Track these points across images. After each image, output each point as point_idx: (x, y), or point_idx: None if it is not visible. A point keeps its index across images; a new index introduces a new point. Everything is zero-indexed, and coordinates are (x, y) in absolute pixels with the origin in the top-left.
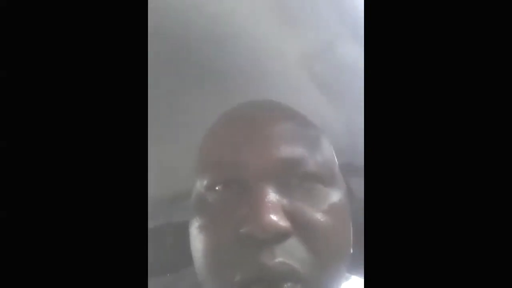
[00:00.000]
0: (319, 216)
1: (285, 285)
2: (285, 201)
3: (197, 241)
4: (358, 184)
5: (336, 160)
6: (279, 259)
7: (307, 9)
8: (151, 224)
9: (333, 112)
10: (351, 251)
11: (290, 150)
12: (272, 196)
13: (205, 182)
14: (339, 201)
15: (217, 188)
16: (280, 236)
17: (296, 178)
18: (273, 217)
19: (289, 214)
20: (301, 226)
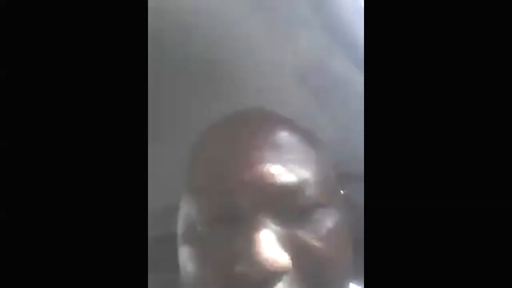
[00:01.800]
0: (320, 245)
1: None
2: (283, 232)
3: (187, 269)
4: (357, 192)
5: (332, 170)
6: None
7: (301, 21)
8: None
9: (330, 124)
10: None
11: (286, 175)
12: (268, 227)
13: (194, 210)
14: (340, 221)
15: (207, 216)
16: (279, 273)
17: (293, 205)
18: (269, 254)
19: (287, 245)
20: (301, 259)
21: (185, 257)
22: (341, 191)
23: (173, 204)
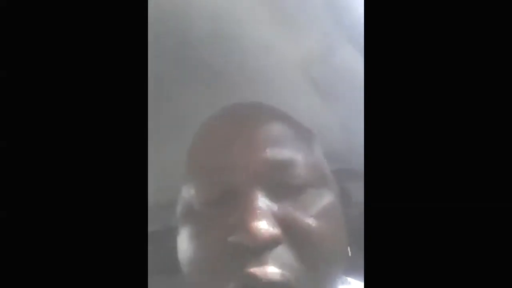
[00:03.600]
0: (310, 221)
1: None
2: (275, 206)
3: (185, 251)
4: (357, 189)
5: (326, 161)
6: (269, 268)
7: (306, 12)
8: (150, 227)
9: (332, 117)
10: (349, 253)
11: (278, 153)
12: (261, 201)
13: (192, 189)
14: (331, 203)
15: (204, 195)
16: (271, 243)
17: (286, 181)
18: (263, 225)
19: (279, 220)
20: (291, 232)
21: (184, 236)
22: (331, 175)
23: (173, 199)
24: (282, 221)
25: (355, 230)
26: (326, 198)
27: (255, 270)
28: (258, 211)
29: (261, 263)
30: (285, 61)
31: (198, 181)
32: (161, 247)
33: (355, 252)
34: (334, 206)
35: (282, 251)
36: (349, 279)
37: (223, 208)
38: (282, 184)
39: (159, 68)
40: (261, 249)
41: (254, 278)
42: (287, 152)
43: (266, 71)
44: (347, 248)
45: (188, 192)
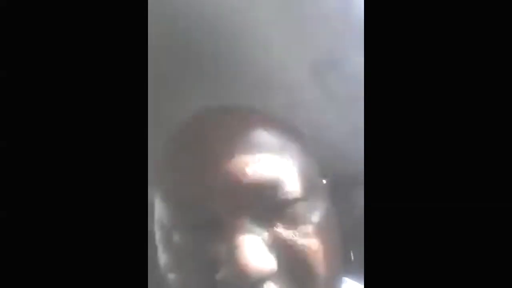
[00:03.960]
0: (305, 242)
1: None
2: (264, 232)
3: (168, 277)
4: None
5: (316, 166)
6: None
7: (317, 14)
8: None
9: (339, 122)
10: (352, 258)
11: (262, 172)
12: (249, 231)
13: (165, 219)
14: (325, 215)
15: (183, 223)
16: (264, 279)
17: (273, 202)
18: (255, 259)
19: (271, 247)
20: (285, 257)
21: (164, 264)
22: (323, 181)
23: None
24: (275, 248)
25: (356, 231)
26: (318, 210)
27: None
28: (248, 243)
29: None
30: (292, 63)
31: (172, 211)
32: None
33: (356, 253)
34: (328, 217)
35: (277, 280)
36: (349, 280)
37: (205, 238)
38: (270, 206)
39: (159, 68)
40: (254, 284)
41: None
42: (273, 168)
43: (270, 72)
44: (344, 257)
45: (161, 215)
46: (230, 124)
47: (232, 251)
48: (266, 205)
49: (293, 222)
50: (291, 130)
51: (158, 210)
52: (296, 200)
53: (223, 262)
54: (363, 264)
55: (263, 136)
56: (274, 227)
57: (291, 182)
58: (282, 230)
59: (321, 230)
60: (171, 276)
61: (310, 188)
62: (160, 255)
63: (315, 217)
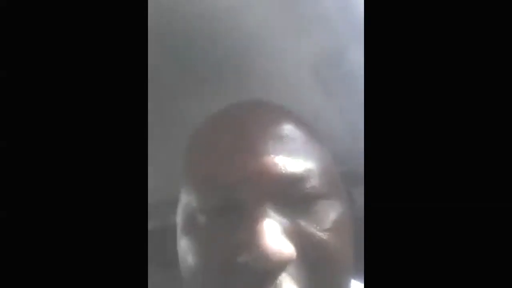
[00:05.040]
0: (324, 236)
1: None
2: (286, 222)
3: (187, 262)
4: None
5: (334, 168)
6: None
7: (316, 13)
8: (150, 225)
9: (339, 119)
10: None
11: (291, 163)
12: (272, 218)
13: (193, 201)
14: (343, 214)
15: (207, 208)
16: (283, 264)
17: (298, 195)
18: (275, 245)
19: (291, 237)
20: (304, 248)
21: (186, 248)
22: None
23: (173, 197)
24: (294, 238)
25: (356, 231)
26: (337, 209)
27: None
28: (269, 229)
29: (273, 284)
30: (292, 62)
31: (200, 193)
32: (161, 245)
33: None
34: (345, 217)
35: (295, 269)
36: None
37: (230, 222)
38: (294, 198)
39: (159, 68)
40: (273, 270)
41: None
42: (301, 161)
43: (271, 71)
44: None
45: (190, 200)
46: (263, 116)
47: (253, 235)
48: (290, 196)
49: (313, 216)
50: (311, 129)
51: (187, 193)
52: (318, 196)
53: (244, 246)
54: (363, 264)
55: (294, 131)
56: (295, 219)
57: (316, 179)
58: (302, 222)
59: (338, 229)
60: (193, 258)
61: (332, 187)
62: (182, 238)
63: (334, 215)
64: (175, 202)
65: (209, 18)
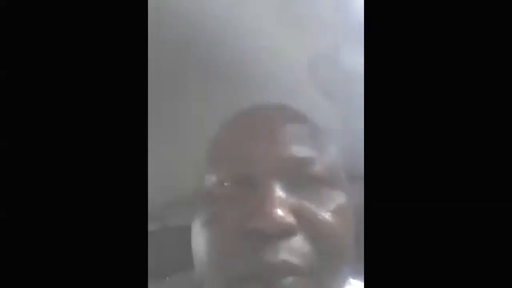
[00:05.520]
0: (326, 216)
1: (285, 281)
2: (292, 199)
3: (201, 236)
4: (359, 190)
5: (341, 165)
6: (282, 257)
7: (314, 14)
8: (150, 227)
9: (336, 118)
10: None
11: (300, 150)
12: (280, 192)
13: (214, 177)
14: (344, 204)
15: (225, 183)
16: (286, 232)
17: (304, 178)
18: (281, 213)
19: (296, 212)
20: (307, 224)
21: (200, 218)
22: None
23: (173, 198)
24: (299, 213)
25: (356, 231)
26: (339, 199)
27: (268, 258)
28: (277, 200)
29: (275, 251)
30: (291, 63)
31: (221, 167)
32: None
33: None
34: (346, 207)
35: (297, 241)
36: (350, 279)
37: (243, 196)
38: (301, 179)
39: (160, 68)
40: (277, 236)
41: (266, 265)
42: (308, 150)
43: (270, 72)
44: (355, 247)
45: (209, 180)
46: (279, 114)
47: (262, 204)
48: (298, 178)
49: (317, 199)
50: (318, 128)
51: (210, 172)
52: (322, 183)
53: (256, 212)
54: (363, 264)
55: (302, 126)
56: (301, 198)
57: (321, 167)
58: (307, 202)
59: (340, 213)
60: (209, 228)
61: (335, 178)
62: (201, 210)
63: (336, 202)
64: (175, 202)
65: (208, 19)
